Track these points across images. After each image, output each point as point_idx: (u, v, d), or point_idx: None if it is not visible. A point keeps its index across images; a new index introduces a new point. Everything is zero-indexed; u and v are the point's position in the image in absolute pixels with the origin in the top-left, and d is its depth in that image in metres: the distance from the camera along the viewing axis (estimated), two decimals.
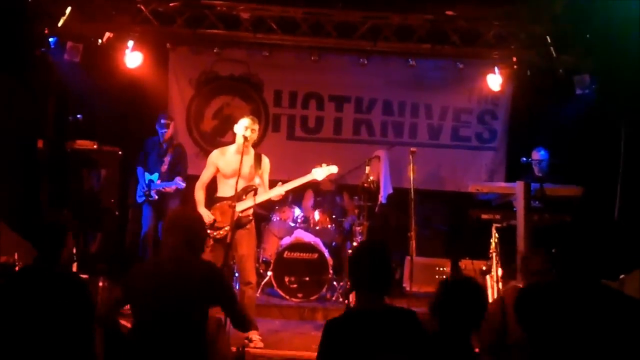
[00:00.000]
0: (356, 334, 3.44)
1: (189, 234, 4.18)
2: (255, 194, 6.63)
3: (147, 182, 8.41)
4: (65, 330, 3.86)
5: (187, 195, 8.06)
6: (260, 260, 8.66)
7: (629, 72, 7.53)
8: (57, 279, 4.00)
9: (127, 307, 4.16)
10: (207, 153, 7.26)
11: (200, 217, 4.70)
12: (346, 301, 7.81)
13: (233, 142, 6.75)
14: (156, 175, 8.42)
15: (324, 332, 3.59)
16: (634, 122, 8.02)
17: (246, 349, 5.96)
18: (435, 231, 9.72)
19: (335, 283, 8.43)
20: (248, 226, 6.65)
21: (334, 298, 8.36)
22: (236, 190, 6.37)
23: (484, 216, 8.16)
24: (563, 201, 8.07)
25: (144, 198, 8.41)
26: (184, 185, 8.24)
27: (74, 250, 8.15)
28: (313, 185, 9.09)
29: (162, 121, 8.51)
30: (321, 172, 6.83)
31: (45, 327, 3.83)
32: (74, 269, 8.15)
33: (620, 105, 8.09)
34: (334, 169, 6.93)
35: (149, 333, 3.92)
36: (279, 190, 6.65)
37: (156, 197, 8.32)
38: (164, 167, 8.41)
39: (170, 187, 8.28)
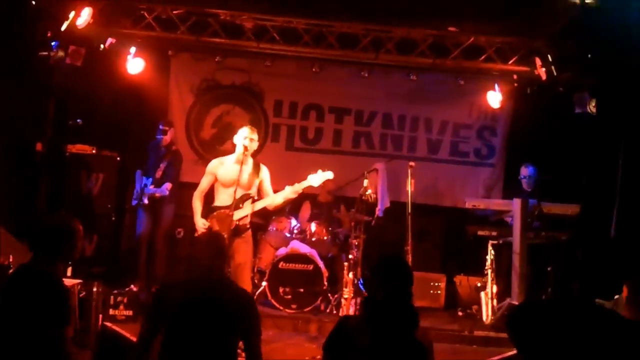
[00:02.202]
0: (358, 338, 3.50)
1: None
2: (252, 202, 6.64)
3: (142, 186, 8.41)
4: (39, 333, 3.82)
5: (182, 201, 8.07)
6: (255, 270, 8.63)
7: (629, 90, 7.56)
8: (44, 281, 3.94)
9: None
10: (205, 161, 7.26)
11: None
12: (340, 313, 7.83)
13: (232, 150, 6.76)
14: (150, 180, 8.42)
15: (336, 325, 3.68)
16: (633, 140, 8.04)
17: (239, 358, 5.92)
18: (432, 246, 9.71)
19: (329, 295, 8.40)
20: (245, 235, 6.65)
21: (328, 310, 8.34)
22: (234, 198, 6.38)
23: (480, 232, 8.18)
24: (560, 219, 8.12)
25: (137, 202, 8.41)
26: (167, 192, 8.26)
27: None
28: (311, 197, 9.10)
29: (160, 127, 8.51)
30: (317, 179, 6.82)
31: (22, 328, 3.81)
32: (69, 272, 8.19)
33: (619, 122, 8.11)
34: (329, 175, 6.92)
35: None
36: (273, 199, 6.68)
37: (147, 202, 8.32)
38: (159, 173, 8.41)
39: (159, 193, 8.29)
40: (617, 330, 1.68)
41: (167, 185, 8.31)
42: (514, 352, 3.54)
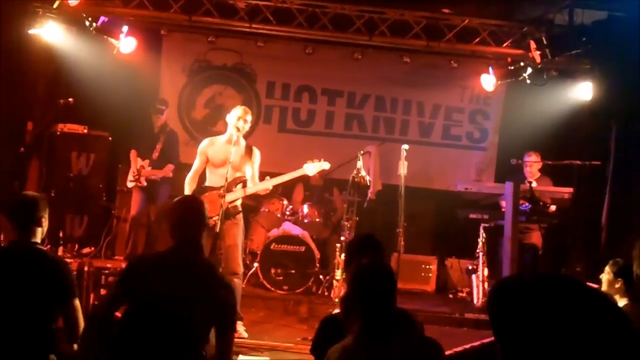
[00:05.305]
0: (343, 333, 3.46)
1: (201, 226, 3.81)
2: (244, 185, 6.61)
3: (138, 167, 8.34)
4: (27, 308, 3.80)
5: (178, 182, 8.02)
6: (247, 252, 8.63)
7: (623, 74, 7.57)
8: (27, 256, 3.92)
9: None
10: (197, 141, 7.21)
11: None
12: (331, 295, 7.84)
13: (224, 131, 6.71)
14: (147, 161, 8.36)
15: (319, 327, 3.69)
16: (625, 123, 8.06)
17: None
18: (423, 229, 9.72)
19: (321, 276, 8.42)
20: (235, 217, 6.62)
21: (319, 291, 8.36)
22: (226, 180, 6.33)
23: (472, 215, 8.18)
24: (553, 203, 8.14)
25: (134, 183, 8.34)
26: (170, 174, 8.23)
27: (61, 234, 8.20)
28: (303, 179, 9.07)
29: (157, 106, 8.47)
30: (313, 168, 6.78)
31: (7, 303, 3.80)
32: (60, 252, 8.16)
33: (612, 106, 8.13)
34: (325, 165, 6.88)
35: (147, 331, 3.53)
36: (267, 184, 6.62)
37: (145, 183, 8.26)
38: (155, 154, 8.35)
39: (161, 174, 8.23)
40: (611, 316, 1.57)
41: (170, 167, 8.27)
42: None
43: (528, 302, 1.60)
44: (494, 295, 1.71)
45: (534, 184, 8.01)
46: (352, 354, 3.01)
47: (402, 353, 3.02)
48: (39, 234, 4.01)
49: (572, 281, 1.64)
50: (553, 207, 8.09)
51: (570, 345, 1.52)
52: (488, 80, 8.80)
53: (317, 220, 8.85)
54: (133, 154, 8.42)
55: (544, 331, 1.54)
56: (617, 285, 4.77)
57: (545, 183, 8.31)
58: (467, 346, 5.89)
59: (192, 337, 3.53)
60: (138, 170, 8.29)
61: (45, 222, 4.05)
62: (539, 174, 8.50)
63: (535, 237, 8.42)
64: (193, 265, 3.66)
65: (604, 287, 4.82)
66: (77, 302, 3.93)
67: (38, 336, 3.80)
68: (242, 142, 6.68)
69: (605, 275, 4.83)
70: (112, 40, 8.04)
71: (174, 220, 3.78)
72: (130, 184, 8.40)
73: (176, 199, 4.15)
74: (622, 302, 4.71)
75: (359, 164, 7.63)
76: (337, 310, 4.62)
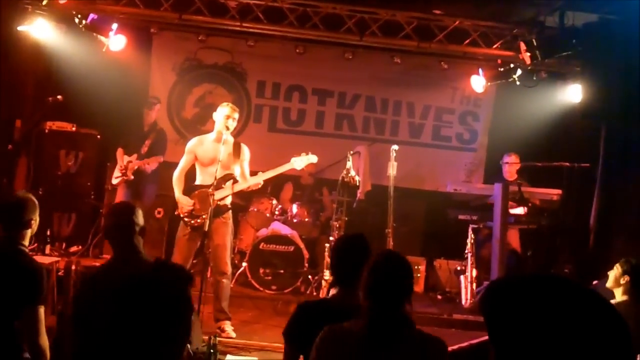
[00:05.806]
0: (320, 322, 3.44)
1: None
2: (234, 182, 6.60)
3: (125, 163, 8.29)
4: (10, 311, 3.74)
5: (164, 180, 7.99)
6: (236, 251, 8.61)
7: (613, 77, 7.58)
8: (5, 258, 3.85)
9: None
10: (187, 140, 7.19)
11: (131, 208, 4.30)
12: (320, 295, 7.83)
13: (213, 130, 6.71)
14: (135, 156, 8.32)
15: (295, 311, 3.72)
16: (615, 126, 8.07)
17: (218, 338, 5.91)
18: (412, 229, 9.72)
19: (310, 276, 8.41)
20: (225, 215, 6.61)
21: (308, 291, 8.35)
22: (216, 178, 6.32)
23: (461, 216, 8.20)
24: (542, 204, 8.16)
25: (120, 179, 8.29)
26: (161, 159, 8.21)
27: (48, 232, 8.15)
28: (292, 178, 9.07)
29: (149, 99, 8.44)
30: (300, 162, 6.79)
31: None
32: (47, 251, 8.12)
33: (602, 109, 8.14)
34: (313, 159, 6.89)
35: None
36: (255, 180, 6.62)
37: (132, 177, 8.22)
38: (144, 149, 8.32)
39: (152, 162, 8.19)
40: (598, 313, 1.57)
41: (158, 158, 8.24)
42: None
43: (522, 302, 1.60)
44: (488, 296, 1.71)
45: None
46: (357, 340, 3.00)
47: (409, 348, 3.01)
48: (27, 235, 3.95)
49: (565, 281, 1.64)
50: (520, 210, 8.08)
51: (565, 345, 1.52)
52: (478, 82, 8.80)
53: (306, 220, 8.84)
54: (120, 152, 8.38)
55: (539, 331, 1.54)
56: (622, 282, 4.83)
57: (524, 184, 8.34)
58: (456, 347, 5.89)
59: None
60: (125, 165, 8.25)
61: (35, 223, 4.00)
62: (516, 175, 8.57)
63: (513, 238, 8.43)
64: (136, 266, 3.71)
65: (610, 283, 4.88)
66: (41, 311, 3.79)
67: (7, 339, 3.75)
68: (231, 140, 6.67)
69: (614, 272, 4.90)
70: (102, 38, 7.99)
71: (106, 227, 4.17)
72: (115, 181, 8.35)
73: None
74: (622, 298, 4.78)
75: (349, 164, 7.62)
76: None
